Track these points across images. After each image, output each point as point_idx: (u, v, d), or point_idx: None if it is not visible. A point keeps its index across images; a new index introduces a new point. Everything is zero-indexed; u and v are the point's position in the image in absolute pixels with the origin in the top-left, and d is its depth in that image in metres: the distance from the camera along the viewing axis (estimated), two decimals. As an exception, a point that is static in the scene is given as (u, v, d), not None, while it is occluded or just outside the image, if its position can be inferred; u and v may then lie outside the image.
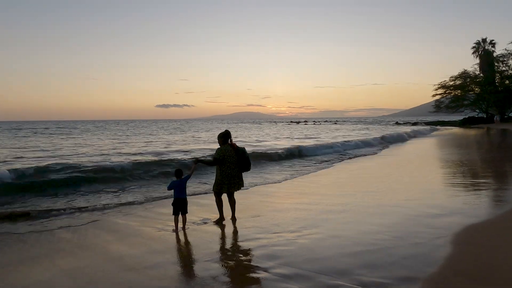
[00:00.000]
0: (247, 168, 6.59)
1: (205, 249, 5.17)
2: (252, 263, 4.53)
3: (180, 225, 6.18)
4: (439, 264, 4.14)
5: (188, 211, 6.28)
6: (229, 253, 5.00)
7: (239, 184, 6.54)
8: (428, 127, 52.93)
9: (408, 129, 48.55)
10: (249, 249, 5.10)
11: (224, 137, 6.54)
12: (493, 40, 64.13)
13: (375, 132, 40.22)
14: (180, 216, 6.20)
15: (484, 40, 65.05)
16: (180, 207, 6.17)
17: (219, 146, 6.58)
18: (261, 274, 4.15)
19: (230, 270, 4.36)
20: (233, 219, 6.60)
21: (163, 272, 4.33)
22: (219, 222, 6.46)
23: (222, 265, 4.53)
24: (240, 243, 5.43)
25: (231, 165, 6.37)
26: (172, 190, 6.25)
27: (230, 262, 4.63)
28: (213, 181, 6.63)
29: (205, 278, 4.11)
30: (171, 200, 6.34)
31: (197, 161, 6.49)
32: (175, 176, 6.28)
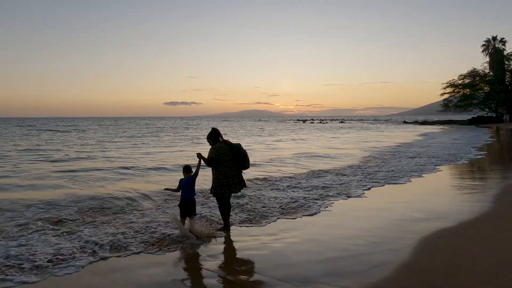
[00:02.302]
0: (245, 166, 5.96)
1: (174, 251, 5.05)
2: (217, 268, 4.40)
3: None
4: (397, 272, 3.97)
5: (196, 212, 5.79)
6: (199, 257, 4.85)
7: (240, 185, 5.94)
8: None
9: (426, 129, 47.47)
10: (220, 253, 4.97)
11: (214, 136, 5.97)
12: (503, 38, 62.93)
13: (372, 138, 38.55)
14: (188, 219, 5.63)
15: (494, 38, 63.83)
16: (188, 209, 5.61)
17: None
18: (222, 283, 4.02)
19: (192, 277, 4.24)
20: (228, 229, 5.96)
21: (125, 277, 4.23)
22: (224, 230, 5.85)
23: (184, 270, 4.43)
24: (213, 246, 5.28)
25: (228, 163, 5.79)
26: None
27: (195, 266, 4.51)
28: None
29: (155, 285, 3.99)
30: None
31: (199, 155, 5.82)
32: (183, 173, 5.79)
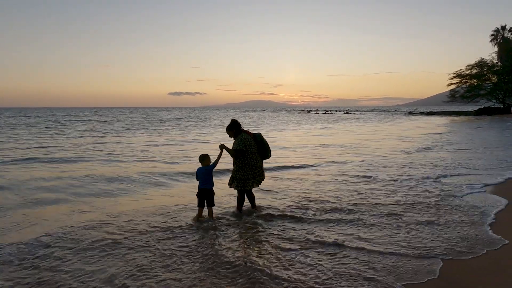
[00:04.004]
0: (267, 155, 5.95)
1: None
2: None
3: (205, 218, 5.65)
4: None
5: (215, 203, 5.73)
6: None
7: (263, 176, 5.93)
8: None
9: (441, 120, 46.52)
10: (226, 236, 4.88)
11: (235, 127, 5.85)
12: (513, 27, 61.75)
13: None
14: (205, 208, 5.67)
15: (503, 28, 62.87)
16: (205, 199, 5.61)
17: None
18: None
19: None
20: (256, 207, 6.08)
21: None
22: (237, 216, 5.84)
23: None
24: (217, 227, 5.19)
25: (253, 155, 5.74)
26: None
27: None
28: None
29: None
30: None
31: (223, 146, 5.74)
32: (200, 162, 5.70)
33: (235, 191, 6.32)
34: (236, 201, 6.13)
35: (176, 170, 10.50)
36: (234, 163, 5.80)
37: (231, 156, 5.77)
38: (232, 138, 5.94)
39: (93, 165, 11.66)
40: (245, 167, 5.69)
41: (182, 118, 58.90)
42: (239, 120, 6.03)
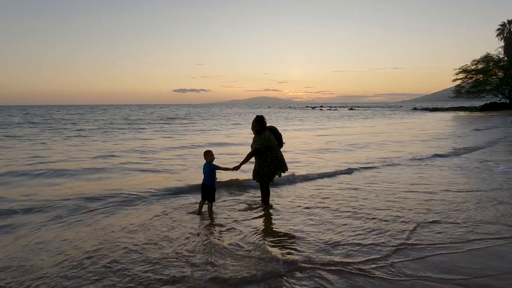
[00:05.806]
0: (282, 144, 6.28)
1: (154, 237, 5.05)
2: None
3: (205, 210, 5.97)
4: None
5: (215, 199, 6.03)
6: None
7: (286, 166, 6.20)
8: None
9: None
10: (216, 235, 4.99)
11: (262, 124, 6.05)
12: (519, 22, 60.79)
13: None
14: (207, 202, 5.97)
15: (510, 22, 61.88)
16: (204, 193, 5.86)
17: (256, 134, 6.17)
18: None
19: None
20: (269, 206, 6.29)
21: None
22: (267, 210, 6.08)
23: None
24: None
25: (276, 147, 6.05)
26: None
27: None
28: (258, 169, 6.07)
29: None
30: None
31: (238, 168, 5.97)
32: (204, 157, 5.89)
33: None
34: (260, 195, 6.38)
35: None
36: (260, 158, 6.00)
37: (253, 155, 5.98)
38: (253, 132, 6.17)
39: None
40: (274, 161, 5.97)
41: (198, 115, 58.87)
42: (249, 118, 6.15)
